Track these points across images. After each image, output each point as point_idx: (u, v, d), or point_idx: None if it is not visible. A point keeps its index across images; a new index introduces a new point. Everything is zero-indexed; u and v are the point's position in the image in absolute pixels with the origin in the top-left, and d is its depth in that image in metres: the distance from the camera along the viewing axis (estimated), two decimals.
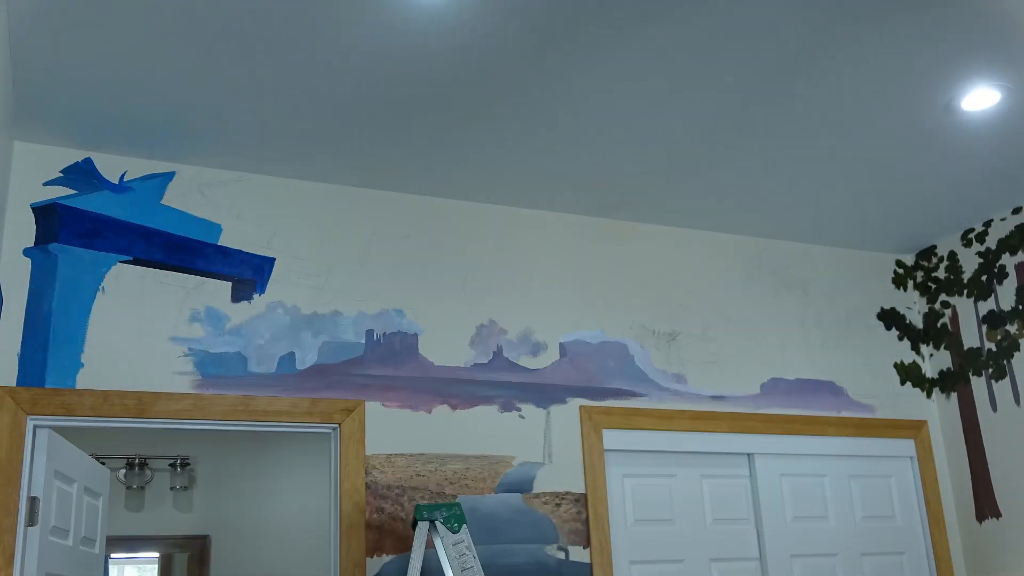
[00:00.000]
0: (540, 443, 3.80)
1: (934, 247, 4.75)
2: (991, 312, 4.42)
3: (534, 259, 4.05)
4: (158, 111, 3.22)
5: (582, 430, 3.88)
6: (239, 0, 2.66)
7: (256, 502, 6.07)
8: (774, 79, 3.22)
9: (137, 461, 5.85)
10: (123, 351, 3.31)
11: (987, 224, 4.47)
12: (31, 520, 3.02)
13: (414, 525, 2.91)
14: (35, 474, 3.08)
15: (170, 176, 3.55)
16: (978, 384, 4.46)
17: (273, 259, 3.62)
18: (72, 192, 3.38)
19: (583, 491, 3.79)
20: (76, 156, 3.42)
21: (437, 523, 2.89)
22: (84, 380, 3.23)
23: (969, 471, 4.46)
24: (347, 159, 3.63)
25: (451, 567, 2.84)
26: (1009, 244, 4.35)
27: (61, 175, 3.39)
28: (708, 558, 3.99)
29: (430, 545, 2.93)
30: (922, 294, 4.80)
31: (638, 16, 2.83)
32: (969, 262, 4.55)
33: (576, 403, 3.91)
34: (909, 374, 4.67)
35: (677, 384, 4.14)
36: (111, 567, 5.85)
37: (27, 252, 3.27)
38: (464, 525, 2.91)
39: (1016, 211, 4.34)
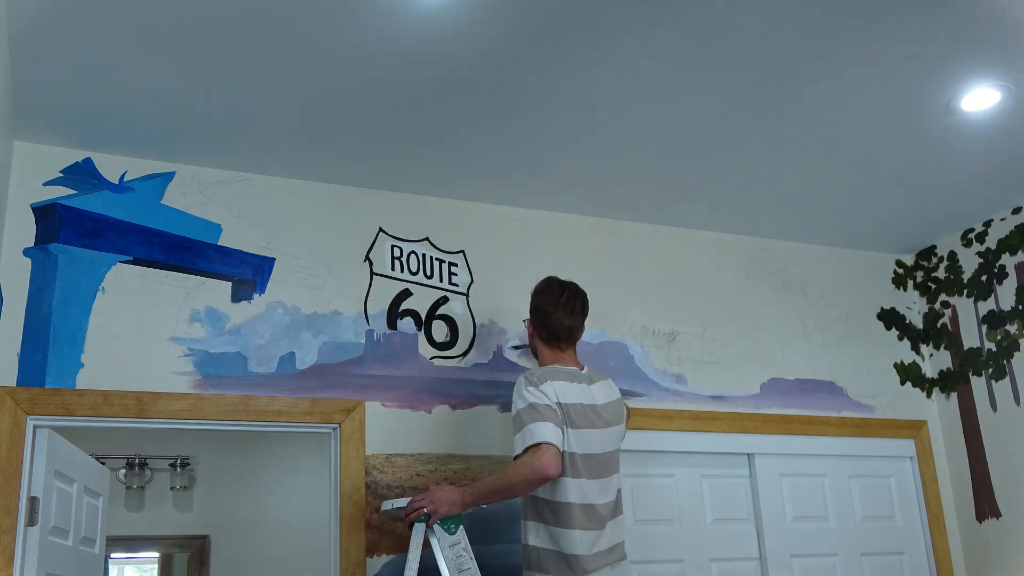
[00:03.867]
0: None
1: (934, 247, 4.75)
2: (991, 312, 4.42)
3: (534, 259, 4.05)
4: (158, 111, 3.22)
5: None
6: (240, 1, 2.66)
7: (256, 502, 6.07)
8: (774, 79, 3.22)
9: (137, 461, 5.85)
10: (123, 351, 3.31)
11: (987, 224, 4.47)
12: (31, 520, 3.02)
13: (411, 527, 2.90)
14: (35, 474, 3.08)
15: (170, 176, 3.55)
16: (978, 384, 4.46)
17: (273, 259, 3.62)
18: (72, 192, 3.38)
19: None
20: (76, 156, 3.42)
21: (434, 525, 2.88)
22: (84, 380, 3.23)
23: (969, 471, 4.46)
24: (347, 159, 3.63)
25: (448, 569, 2.83)
26: (1009, 244, 4.35)
27: (61, 175, 3.39)
28: (708, 558, 3.99)
29: (427, 547, 2.91)
30: (922, 294, 4.80)
31: (638, 17, 2.83)
32: (969, 262, 4.55)
33: None
34: (909, 374, 4.67)
35: (677, 384, 4.13)
36: (111, 567, 5.86)
37: (27, 252, 3.27)
38: (461, 527, 2.90)
39: (1016, 211, 4.34)
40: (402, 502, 2.98)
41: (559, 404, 2.89)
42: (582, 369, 3.11)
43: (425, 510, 2.88)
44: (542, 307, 3.16)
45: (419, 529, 2.89)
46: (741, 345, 4.34)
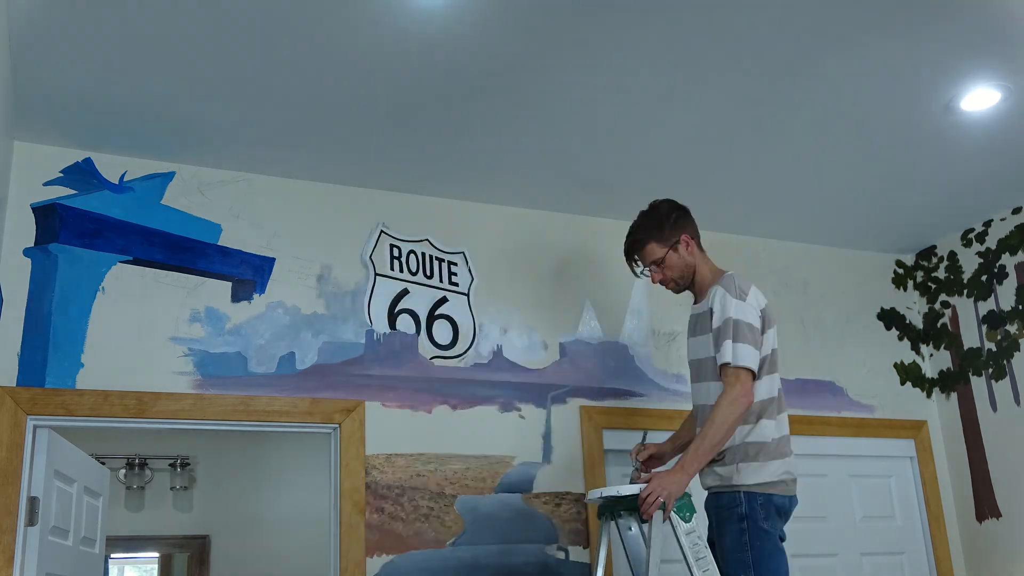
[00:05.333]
0: (540, 443, 3.80)
1: (934, 247, 4.75)
2: (991, 312, 4.41)
3: (534, 259, 4.05)
4: (158, 111, 3.22)
5: (582, 430, 3.87)
6: (239, 1, 2.67)
7: (256, 502, 6.08)
8: (774, 79, 3.22)
9: (137, 461, 5.86)
10: (123, 351, 3.31)
11: (987, 224, 4.47)
12: (31, 520, 3.02)
13: (649, 519, 2.74)
14: (35, 474, 3.08)
15: (170, 176, 3.55)
16: (978, 384, 4.46)
17: (273, 259, 3.62)
18: (72, 192, 3.38)
19: (583, 491, 3.78)
20: (76, 156, 3.42)
21: (671, 514, 2.73)
22: (84, 380, 3.23)
23: (969, 471, 4.46)
24: (347, 159, 3.63)
25: (685, 557, 2.71)
26: (1009, 244, 4.35)
27: (61, 175, 3.39)
28: None
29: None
30: (922, 294, 4.79)
31: (638, 17, 2.83)
32: (969, 262, 4.55)
33: (576, 403, 3.91)
34: (909, 374, 4.67)
35: (677, 384, 4.13)
36: (111, 567, 5.86)
37: (27, 252, 3.27)
38: (695, 514, 2.78)
39: (1016, 211, 4.34)
40: (612, 491, 2.85)
41: (762, 310, 2.96)
42: None
43: (661, 499, 2.73)
44: (691, 224, 3.15)
45: (658, 519, 2.72)
46: None
